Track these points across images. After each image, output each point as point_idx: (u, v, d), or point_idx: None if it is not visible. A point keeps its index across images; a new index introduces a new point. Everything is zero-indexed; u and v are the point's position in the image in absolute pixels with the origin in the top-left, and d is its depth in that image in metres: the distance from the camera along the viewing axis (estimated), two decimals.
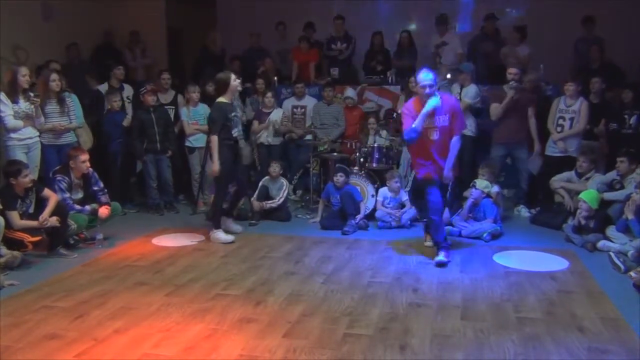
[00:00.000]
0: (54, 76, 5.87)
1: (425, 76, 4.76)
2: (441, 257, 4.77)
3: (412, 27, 9.12)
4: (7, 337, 3.40)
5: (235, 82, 5.47)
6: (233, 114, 5.46)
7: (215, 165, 5.38)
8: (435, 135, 4.83)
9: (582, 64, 7.53)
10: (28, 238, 4.85)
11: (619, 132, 6.25)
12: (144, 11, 8.92)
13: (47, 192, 5.05)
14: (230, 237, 5.47)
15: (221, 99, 5.47)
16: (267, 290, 4.16)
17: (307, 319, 3.64)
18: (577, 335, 3.41)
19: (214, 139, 5.36)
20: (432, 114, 4.77)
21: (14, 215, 4.81)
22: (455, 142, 4.86)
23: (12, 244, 4.75)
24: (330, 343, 3.31)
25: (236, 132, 5.49)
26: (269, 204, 6.26)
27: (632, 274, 4.25)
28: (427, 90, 4.71)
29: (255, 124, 7.29)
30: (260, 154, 7.37)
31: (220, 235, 5.49)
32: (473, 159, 6.83)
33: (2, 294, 4.10)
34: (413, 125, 4.73)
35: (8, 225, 4.75)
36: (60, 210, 5.03)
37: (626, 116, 6.23)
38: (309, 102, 7.57)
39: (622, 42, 7.56)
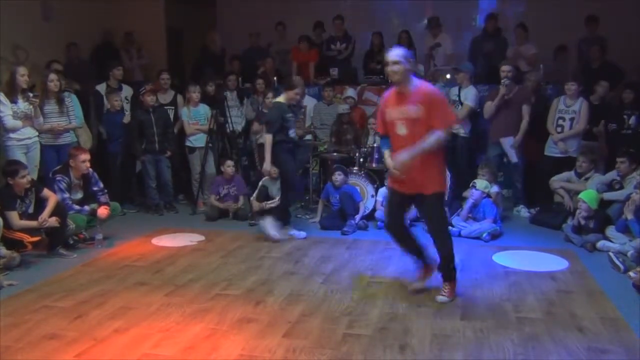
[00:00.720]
0: (52, 76, 5.87)
1: (392, 52, 3.75)
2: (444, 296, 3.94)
3: (424, 21, 9.00)
4: (7, 337, 3.40)
5: (296, 95, 5.45)
6: (289, 115, 5.42)
7: (266, 165, 5.32)
8: (402, 130, 3.78)
9: (583, 64, 7.54)
10: (27, 238, 4.84)
11: (618, 133, 6.25)
12: (144, 11, 8.91)
13: (46, 192, 5.05)
14: (280, 236, 5.42)
15: (280, 99, 5.47)
16: (267, 290, 4.16)
17: (307, 319, 3.64)
18: (576, 335, 3.41)
19: (269, 137, 5.30)
20: (401, 102, 3.78)
21: (13, 216, 4.81)
22: (433, 135, 3.67)
23: (12, 244, 4.75)
24: (330, 343, 3.31)
25: (292, 132, 5.47)
26: (269, 204, 6.25)
27: (631, 274, 4.25)
28: (392, 67, 3.67)
29: (256, 124, 7.29)
30: (260, 154, 7.36)
31: (273, 228, 5.43)
32: (470, 159, 6.85)
33: (2, 294, 4.10)
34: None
35: (7, 225, 4.75)
36: (60, 210, 5.03)
37: (625, 116, 6.23)
38: (309, 102, 7.56)
39: (622, 41, 7.56)
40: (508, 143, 6.41)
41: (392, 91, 3.92)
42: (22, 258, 4.74)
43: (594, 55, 7.29)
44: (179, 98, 7.25)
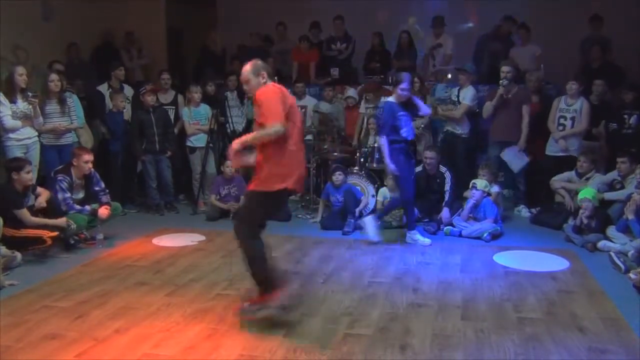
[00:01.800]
0: (53, 76, 5.87)
1: (242, 70, 3.79)
2: None
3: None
4: (7, 337, 3.40)
5: (402, 91, 5.24)
6: (400, 113, 5.31)
7: (390, 165, 5.22)
8: None
9: (584, 64, 7.53)
10: (47, 234, 4.85)
11: (619, 132, 6.24)
12: (144, 11, 8.91)
13: (39, 189, 5.14)
14: (428, 240, 5.40)
15: (390, 99, 5.40)
16: None
17: (307, 319, 3.64)
18: (577, 335, 3.41)
19: (382, 140, 5.24)
20: None
21: (25, 213, 4.81)
22: (262, 130, 3.51)
23: (31, 241, 4.77)
24: (330, 343, 3.31)
25: (405, 132, 5.36)
26: None
27: (631, 275, 4.25)
28: (244, 86, 3.85)
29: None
30: None
31: (417, 237, 5.42)
32: (469, 159, 6.84)
33: (2, 294, 4.10)
34: None
35: (20, 224, 4.76)
36: (54, 205, 5.12)
37: (626, 116, 6.22)
38: (309, 102, 7.56)
39: (622, 41, 7.55)
40: (509, 154, 6.38)
41: None
42: (22, 258, 4.73)
43: (595, 55, 7.28)
44: (180, 98, 7.25)
